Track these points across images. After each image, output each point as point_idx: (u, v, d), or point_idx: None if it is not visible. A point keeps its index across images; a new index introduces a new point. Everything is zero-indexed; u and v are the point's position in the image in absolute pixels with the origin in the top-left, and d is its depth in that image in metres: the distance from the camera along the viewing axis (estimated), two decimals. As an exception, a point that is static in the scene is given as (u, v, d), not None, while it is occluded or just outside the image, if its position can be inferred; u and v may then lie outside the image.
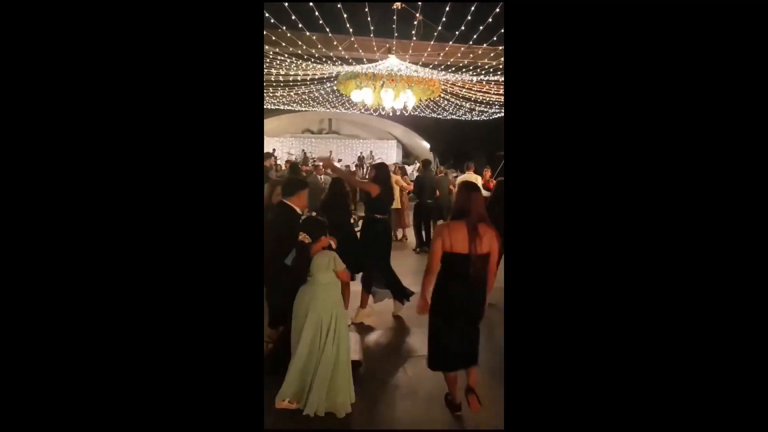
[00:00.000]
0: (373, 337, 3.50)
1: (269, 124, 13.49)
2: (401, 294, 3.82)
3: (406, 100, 7.24)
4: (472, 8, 4.27)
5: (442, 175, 8.20)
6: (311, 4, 4.09)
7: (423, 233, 6.50)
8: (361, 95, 7.28)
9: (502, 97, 8.02)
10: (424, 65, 6.33)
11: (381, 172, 3.83)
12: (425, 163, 7.36)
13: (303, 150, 15.62)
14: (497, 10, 4.39)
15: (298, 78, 7.09)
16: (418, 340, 3.45)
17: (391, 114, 8.62)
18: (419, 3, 4.64)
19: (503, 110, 9.93)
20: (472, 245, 2.08)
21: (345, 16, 4.41)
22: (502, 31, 4.77)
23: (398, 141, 18.13)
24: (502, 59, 5.69)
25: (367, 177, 7.40)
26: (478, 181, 6.80)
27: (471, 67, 6.22)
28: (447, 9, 4.39)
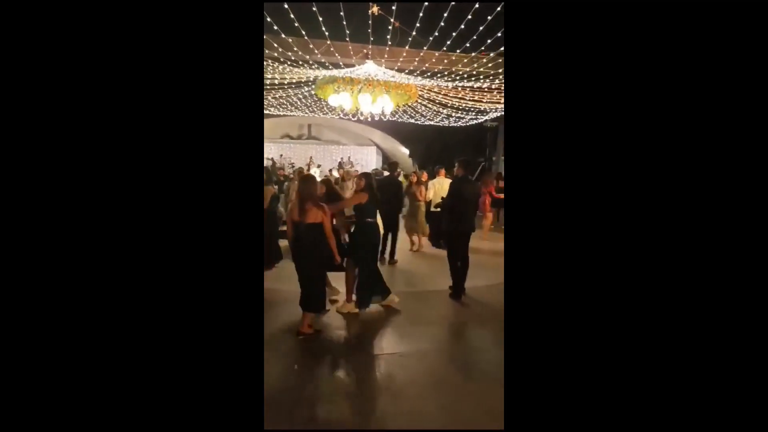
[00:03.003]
0: (369, 333, 3.51)
1: (247, 128, 13.30)
2: (384, 291, 4.03)
3: (384, 105, 7.31)
4: (445, 14, 4.39)
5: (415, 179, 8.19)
6: (286, 5, 4.12)
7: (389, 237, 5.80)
8: (339, 100, 7.31)
9: (478, 104, 8.20)
10: (400, 70, 6.43)
11: (367, 179, 4.09)
12: (392, 166, 7.32)
13: (272, 158, 15.11)
14: (469, 16, 4.52)
15: (276, 81, 7.08)
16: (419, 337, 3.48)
17: (369, 119, 8.68)
18: (393, 8, 4.73)
19: (479, 116, 10.15)
20: (301, 216, 3.26)
21: (321, 19, 4.45)
22: (475, 37, 4.91)
23: (378, 147, 18.21)
24: (475, 65, 5.84)
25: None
26: (447, 183, 6.88)
27: (446, 73, 6.36)
28: (421, 14, 4.48)
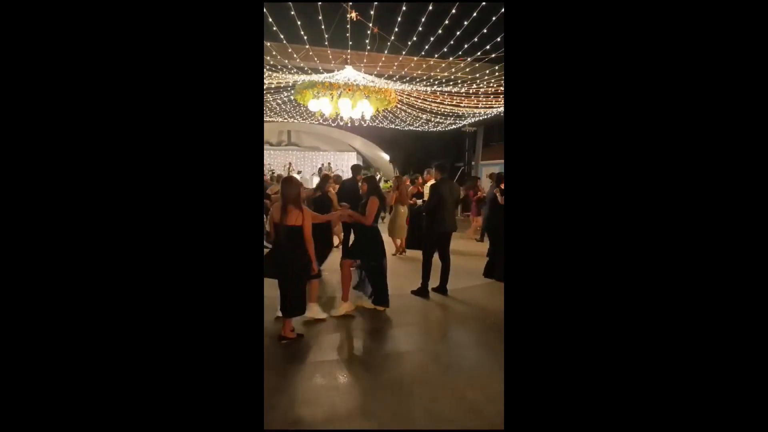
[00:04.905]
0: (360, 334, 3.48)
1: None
2: (383, 302, 4.04)
3: (364, 110, 7.36)
4: (423, 19, 4.46)
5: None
6: (264, 10, 4.10)
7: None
8: (319, 105, 7.32)
9: (456, 108, 8.34)
10: (379, 75, 6.48)
11: (371, 183, 4.07)
12: (354, 169, 7.34)
13: None
14: (446, 22, 4.61)
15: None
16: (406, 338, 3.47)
17: (349, 124, 8.70)
18: (372, 13, 4.78)
19: (458, 121, 10.31)
20: (282, 218, 3.20)
21: (299, 23, 4.46)
22: (452, 42, 5.01)
23: (358, 153, 18.25)
24: (453, 70, 5.95)
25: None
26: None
27: (424, 78, 6.45)
28: (399, 20, 4.55)
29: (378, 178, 8.94)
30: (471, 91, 6.86)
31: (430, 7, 4.26)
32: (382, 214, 6.75)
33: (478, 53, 5.13)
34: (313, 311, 3.77)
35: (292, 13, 4.32)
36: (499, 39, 4.77)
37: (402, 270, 5.66)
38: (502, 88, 6.57)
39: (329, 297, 4.41)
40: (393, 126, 11.08)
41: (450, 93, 6.93)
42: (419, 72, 6.32)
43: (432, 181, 6.76)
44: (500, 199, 5.31)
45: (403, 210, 6.55)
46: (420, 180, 7.52)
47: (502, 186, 5.24)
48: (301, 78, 6.65)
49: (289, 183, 3.35)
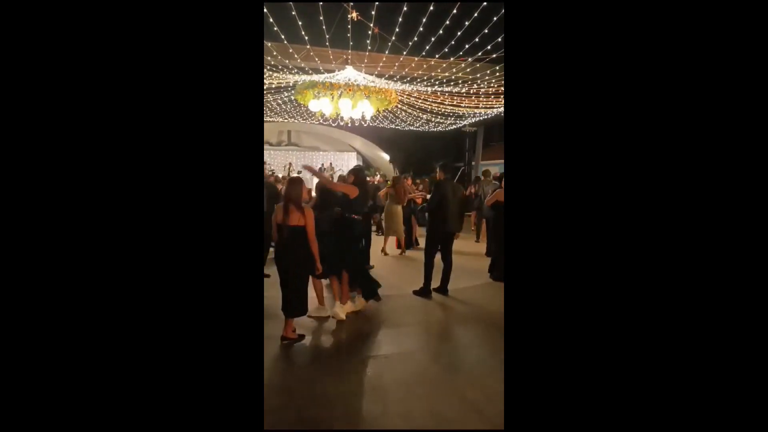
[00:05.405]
0: (349, 332, 3.48)
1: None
2: (371, 294, 4.03)
3: (364, 110, 7.37)
4: (424, 20, 4.46)
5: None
6: (265, 10, 4.11)
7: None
8: (319, 105, 7.34)
9: (457, 108, 8.34)
10: (380, 76, 6.49)
11: (359, 175, 4.03)
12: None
13: None
14: (447, 22, 4.61)
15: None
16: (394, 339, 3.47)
17: (349, 124, 8.71)
18: (373, 13, 4.78)
19: (458, 121, 10.32)
20: (285, 219, 3.22)
21: (300, 23, 4.46)
22: (453, 42, 5.01)
23: (358, 153, 18.26)
24: (454, 70, 5.96)
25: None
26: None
27: (425, 78, 6.45)
28: (400, 20, 4.55)
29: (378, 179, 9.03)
30: (471, 92, 6.86)
31: (431, 8, 4.26)
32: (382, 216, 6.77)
33: (479, 53, 5.13)
34: (319, 311, 3.78)
35: (293, 13, 4.32)
36: (499, 39, 4.77)
37: (402, 270, 5.67)
38: (503, 88, 6.58)
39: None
40: (393, 126, 11.08)
41: (450, 93, 6.93)
42: (420, 72, 6.33)
43: None
44: (488, 199, 5.32)
45: (396, 209, 6.56)
46: (409, 181, 7.56)
47: (502, 185, 5.23)
48: (302, 78, 6.66)
49: (292, 183, 3.33)
